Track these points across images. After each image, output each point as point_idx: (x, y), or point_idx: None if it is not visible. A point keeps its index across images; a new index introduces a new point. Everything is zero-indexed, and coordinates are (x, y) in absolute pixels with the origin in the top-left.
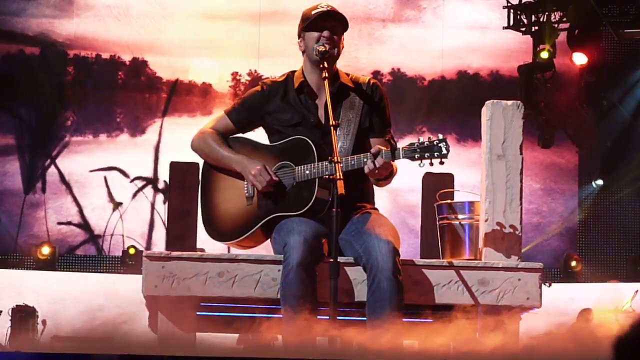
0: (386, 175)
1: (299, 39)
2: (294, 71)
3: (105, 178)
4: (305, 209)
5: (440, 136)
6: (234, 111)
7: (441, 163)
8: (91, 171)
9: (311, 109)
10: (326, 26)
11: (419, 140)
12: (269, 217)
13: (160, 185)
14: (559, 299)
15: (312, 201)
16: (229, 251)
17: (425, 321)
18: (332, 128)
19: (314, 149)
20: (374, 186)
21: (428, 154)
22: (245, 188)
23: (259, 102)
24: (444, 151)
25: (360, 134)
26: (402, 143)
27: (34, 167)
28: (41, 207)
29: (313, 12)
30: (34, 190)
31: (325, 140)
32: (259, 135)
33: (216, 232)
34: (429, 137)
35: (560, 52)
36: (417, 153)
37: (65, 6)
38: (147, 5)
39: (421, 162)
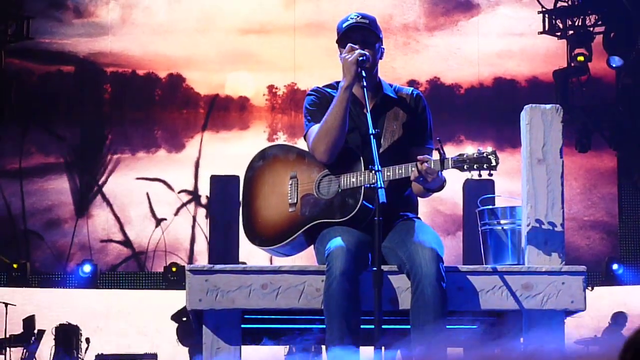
0: (437, 186)
1: (339, 50)
2: (339, 82)
3: (147, 194)
4: (349, 216)
5: (490, 148)
6: (315, 118)
7: (490, 175)
8: (138, 179)
9: (361, 118)
10: (357, 39)
11: (468, 151)
12: (312, 224)
13: (202, 200)
14: (601, 302)
15: (357, 209)
16: (271, 262)
17: (470, 327)
18: (372, 137)
19: (361, 157)
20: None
21: (477, 165)
22: (289, 194)
23: (322, 105)
24: (494, 163)
25: (404, 145)
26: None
27: (75, 186)
28: (83, 225)
29: (343, 26)
30: (76, 209)
31: (372, 149)
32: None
33: (257, 238)
34: (479, 149)
35: (596, 56)
36: (466, 164)
37: (100, 24)
38: (182, 21)
39: (470, 172)
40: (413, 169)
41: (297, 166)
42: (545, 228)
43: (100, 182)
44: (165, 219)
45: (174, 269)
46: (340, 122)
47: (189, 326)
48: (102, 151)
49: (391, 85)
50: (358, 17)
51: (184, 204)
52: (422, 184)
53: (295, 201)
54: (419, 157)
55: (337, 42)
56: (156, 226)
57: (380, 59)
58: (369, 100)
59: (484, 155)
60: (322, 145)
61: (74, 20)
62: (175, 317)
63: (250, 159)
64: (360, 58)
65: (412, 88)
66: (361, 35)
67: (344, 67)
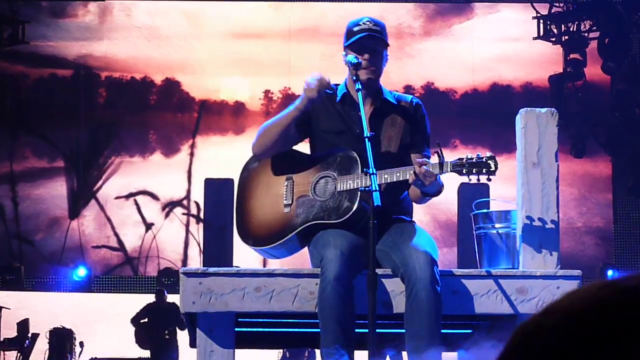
0: (435, 191)
1: (343, 51)
2: (337, 84)
3: (135, 201)
4: (345, 218)
5: (489, 153)
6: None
7: (488, 180)
8: (116, 198)
9: (355, 121)
10: (369, 47)
11: (467, 155)
12: (306, 225)
13: (193, 204)
14: None
15: (352, 211)
16: (264, 266)
17: (465, 332)
18: (366, 140)
19: (359, 160)
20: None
21: (476, 170)
22: (284, 195)
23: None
24: (493, 168)
25: (401, 151)
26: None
27: (69, 191)
28: (76, 230)
29: (355, 29)
30: (69, 213)
31: (368, 153)
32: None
33: (251, 237)
34: (478, 154)
35: (591, 61)
36: (465, 168)
37: (95, 29)
38: (177, 26)
39: (468, 177)
40: (411, 172)
41: (294, 167)
42: (539, 232)
43: (94, 187)
44: (153, 224)
45: (167, 273)
46: (280, 132)
47: (147, 329)
48: (96, 156)
49: (391, 92)
50: (370, 22)
51: (171, 209)
52: (420, 188)
53: (291, 202)
54: (417, 160)
55: (346, 45)
56: (146, 231)
57: (384, 65)
58: (369, 105)
59: (483, 160)
60: (258, 143)
61: (69, 24)
62: (134, 321)
63: (246, 161)
64: (327, 90)
65: (411, 96)
66: (373, 43)
67: (307, 89)
